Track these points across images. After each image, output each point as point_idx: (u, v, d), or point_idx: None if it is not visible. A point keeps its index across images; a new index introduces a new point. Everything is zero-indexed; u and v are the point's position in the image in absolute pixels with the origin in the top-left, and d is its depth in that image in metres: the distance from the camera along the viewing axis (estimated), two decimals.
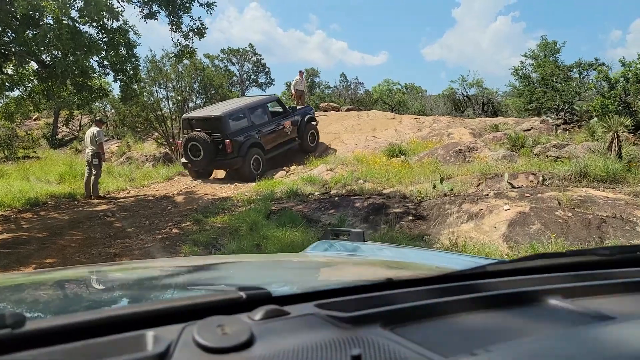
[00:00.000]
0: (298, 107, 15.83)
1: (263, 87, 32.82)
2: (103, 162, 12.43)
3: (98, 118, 13.26)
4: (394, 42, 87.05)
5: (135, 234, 9.20)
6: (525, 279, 1.05)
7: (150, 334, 0.72)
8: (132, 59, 10.75)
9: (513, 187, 8.62)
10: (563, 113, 13.75)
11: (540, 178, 8.66)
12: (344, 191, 10.45)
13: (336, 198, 9.90)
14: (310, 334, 0.75)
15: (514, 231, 6.96)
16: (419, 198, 8.84)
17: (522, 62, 31.28)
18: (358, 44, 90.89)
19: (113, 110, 20.79)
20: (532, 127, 13.69)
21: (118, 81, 11.15)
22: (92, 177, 12.07)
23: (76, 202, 11.97)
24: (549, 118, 13.95)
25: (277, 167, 13.89)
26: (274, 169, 13.81)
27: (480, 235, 7.08)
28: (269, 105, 14.31)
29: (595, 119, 11.97)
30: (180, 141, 13.76)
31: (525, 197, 7.83)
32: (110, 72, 10.79)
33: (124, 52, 10.63)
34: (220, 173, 14.27)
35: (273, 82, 33.46)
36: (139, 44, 10.59)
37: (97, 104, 17.36)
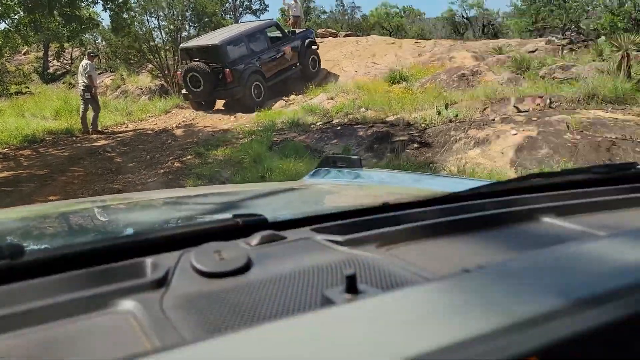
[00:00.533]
0: (298, 31, 15.23)
1: (257, 14, 31.71)
2: (97, 96, 12.15)
3: (90, 51, 12.83)
4: None
5: (136, 168, 9.11)
6: (520, 198, 1.05)
7: (149, 260, 0.73)
8: None
9: (519, 111, 8.45)
10: (569, 32, 13.32)
11: (548, 101, 8.48)
12: (346, 120, 10.27)
13: (339, 127, 9.74)
14: (306, 257, 0.75)
15: (521, 156, 6.87)
16: (423, 125, 8.69)
17: None
18: None
19: (104, 43, 20.13)
20: (537, 49, 13.28)
21: (107, 10, 10.69)
22: (91, 112, 11.77)
23: (74, 138, 11.80)
24: (554, 38, 13.51)
25: (278, 96, 13.50)
26: (275, 97, 13.43)
27: (488, 161, 6.99)
28: (267, 30, 13.80)
29: (603, 37, 11.59)
30: (179, 72, 13.39)
31: (532, 121, 7.69)
32: (99, 0, 10.31)
33: None
34: (220, 103, 14.01)
35: (267, 8, 32.40)
36: None
37: (87, 35, 16.75)
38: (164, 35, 16.25)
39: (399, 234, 0.85)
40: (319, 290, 0.65)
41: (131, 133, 12.05)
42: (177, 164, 9.09)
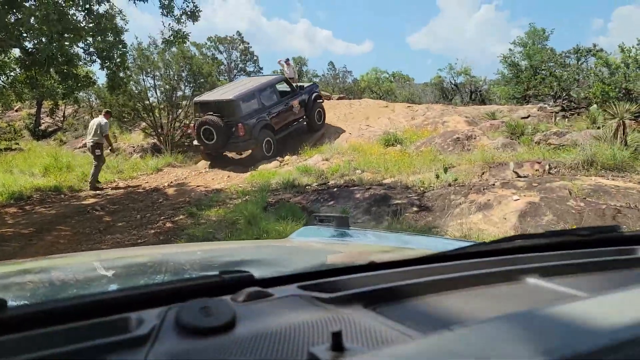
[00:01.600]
0: (305, 85, 15.79)
1: (251, 75, 32.25)
2: (107, 152, 12.28)
3: (107, 109, 12.89)
4: (378, 31, 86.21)
5: (126, 228, 8.82)
6: (505, 259, 1.07)
7: (133, 316, 0.73)
8: (120, 46, 10.29)
9: (519, 176, 8.38)
10: (560, 100, 13.54)
11: (547, 167, 8.43)
12: (342, 182, 10.14)
13: (335, 189, 9.59)
14: (292, 314, 0.75)
15: (525, 222, 6.71)
16: (422, 188, 8.56)
17: (510, 50, 31.12)
18: (342, 33, 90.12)
19: (98, 101, 20.17)
20: (529, 115, 13.45)
21: (105, 69, 10.67)
22: (92, 168, 11.81)
23: (62, 196, 11.51)
24: (546, 105, 13.72)
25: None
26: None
27: (490, 227, 6.82)
28: (277, 85, 14.28)
29: (595, 106, 11.76)
30: (192, 124, 13.71)
31: (533, 187, 7.58)
32: (97, 59, 10.32)
33: (111, 39, 10.17)
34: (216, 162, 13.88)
35: (261, 70, 32.90)
36: (126, 30, 10.12)
37: (81, 93, 16.77)
38: (158, 94, 16.32)
39: (385, 293, 0.85)
40: (305, 348, 0.64)
41: (122, 191, 11.80)
42: (168, 224, 8.82)
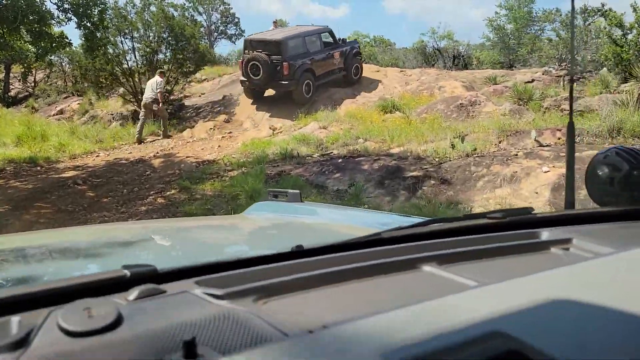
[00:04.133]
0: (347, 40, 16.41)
1: (233, 39, 30.93)
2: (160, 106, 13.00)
3: (161, 70, 13.78)
4: None
5: (113, 205, 8.03)
6: (411, 246, 1.05)
7: (15, 319, 0.70)
8: (98, 2, 9.26)
9: (541, 145, 7.79)
10: (566, 64, 12.97)
11: None
12: (345, 152, 9.45)
13: (339, 160, 8.90)
14: (182, 313, 0.73)
15: (560, 197, 6.13)
16: (437, 159, 7.92)
17: (497, 13, 30.41)
18: None
19: (70, 65, 18.85)
20: (533, 79, 12.84)
21: (81, 28, 9.67)
22: (162, 121, 12.94)
23: (39, 168, 10.57)
24: (551, 69, 13.13)
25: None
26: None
27: (521, 202, 6.23)
28: (322, 35, 15.02)
29: (605, 69, 11.20)
30: (241, 60, 14.50)
31: (561, 157, 6.99)
32: (73, 17, 9.28)
33: None
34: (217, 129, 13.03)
35: (243, 33, 31.50)
36: None
37: (53, 57, 15.54)
38: (138, 57, 15.20)
39: (279, 286, 0.84)
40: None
41: (103, 163, 10.92)
42: (160, 200, 8.06)
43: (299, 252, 1.02)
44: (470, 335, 0.56)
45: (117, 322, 0.68)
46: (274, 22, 19.16)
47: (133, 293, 0.79)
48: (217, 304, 0.78)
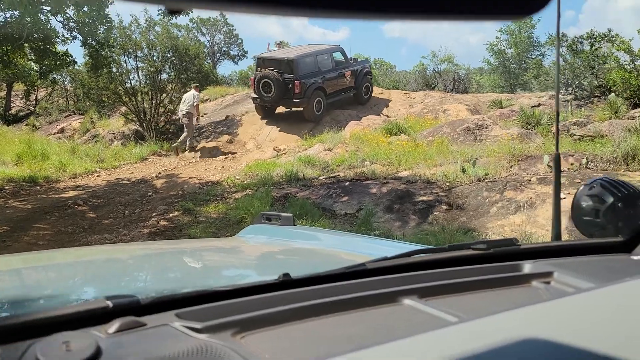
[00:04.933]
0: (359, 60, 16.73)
1: (236, 60, 30.98)
2: (196, 122, 13.52)
3: (196, 84, 14.04)
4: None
5: (114, 227, 7.81)
6: (394, 278, 1.04)
7: None
8: (104, 20, 9.17)
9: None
10: (572, 88, 12.89)
11: (583, 160, 7.68)
12: (352, 174, 9.27)
13: (346, 183, 8.71)
14: (161, 347, 0.73)
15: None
16: (447, 183, 7.74)
17: (497, 38, 30.63)
18: (318, 19, 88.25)
19: (73, 84, 18.73)
20: (540, 103, 12.75)
21: (86, 47, 9.55)
22: (184, 134, 13.12)
23: (38, 187, 10.37)
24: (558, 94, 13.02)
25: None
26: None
27: (537, 230, 6.04)
28: (333, 54, 15.19)
29: (613, 94, 11.11)
30: (252, 77, 14.55)
31: (577, 183, 6.81)
32: (78, 35, 9.18)
33: (93, 12, 9.03)
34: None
35: (246, 54, 31.59)
36: (111, 3, 8.99)
37: (56, 76, 15.46)
38: (141, 77, 15.11)
39: (259, 320, 0.84)
40: None
41: (104, 183, 10.72)
42: (163, 222, 7.84)
43: (282, 283, 1.01)
44: None
45: (95, 356, 0.68)
46: (277, 43, 19.19)
47: (113, 326, 0.79)
48: (196, 337, 0.78)
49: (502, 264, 1.17)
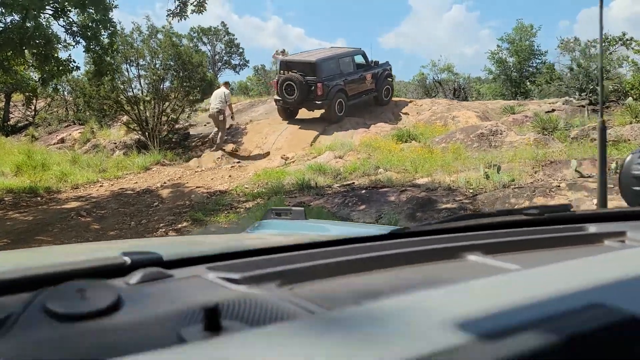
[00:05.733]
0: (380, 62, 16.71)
1: (237, 69, 30.70)
2: (231, 120, 13.82)
3: (226, 81, 14.28)
4: (350, 30, 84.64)
5: (121, 238, 7.41)
6: (448, 237, 1.01)
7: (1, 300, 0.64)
8: (108, 25, 8.83)
9: (582, 175, 7.28)
10: (585, 93, 12.59)
11: (612, 165, 7.34)
12: (366, 182, 8.91)
13: (362, 191, 8.35)
14: (194, 297, 0.65)
15: None
16: (470, 190, 7.38)
17: (498, 46, 30.59)
18: (315, 31, 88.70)
19: (72, 94, 18.36)
20: (554, 109, 12.43)
21: (90, 52, 9.21)
22: (219, 132, 13.17)
23: (39, 198, 9.98)
24: (572, 99, 12.75)
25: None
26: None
27: None
28: (355, 56, 15.33)
29: (630, 98, 10.81)
30: (275, 80, 14.81)
31: (610, 189, 6.45)
32: (82, 40, 8.84)
33: (97, 16, 8.70)
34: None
35: (248, 64, 31.32)
36: (115, 6, 8.67)
37: (57, 84, 15.12)
38: (144, 85, 14.76)
39: (306, 272, 0.76)
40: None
41: (108, 193, 10.33)
42: (172, 233, 7.46)
43: (327, 242, 0.94)
44: (570, 306, 0.51)
45: (115, 306, 0.59)
46: (280, 52, 19.00)
47: (135, 277, 0.70)
48: (235, 288, 0.70)
49: (564, 226, 1.12)
